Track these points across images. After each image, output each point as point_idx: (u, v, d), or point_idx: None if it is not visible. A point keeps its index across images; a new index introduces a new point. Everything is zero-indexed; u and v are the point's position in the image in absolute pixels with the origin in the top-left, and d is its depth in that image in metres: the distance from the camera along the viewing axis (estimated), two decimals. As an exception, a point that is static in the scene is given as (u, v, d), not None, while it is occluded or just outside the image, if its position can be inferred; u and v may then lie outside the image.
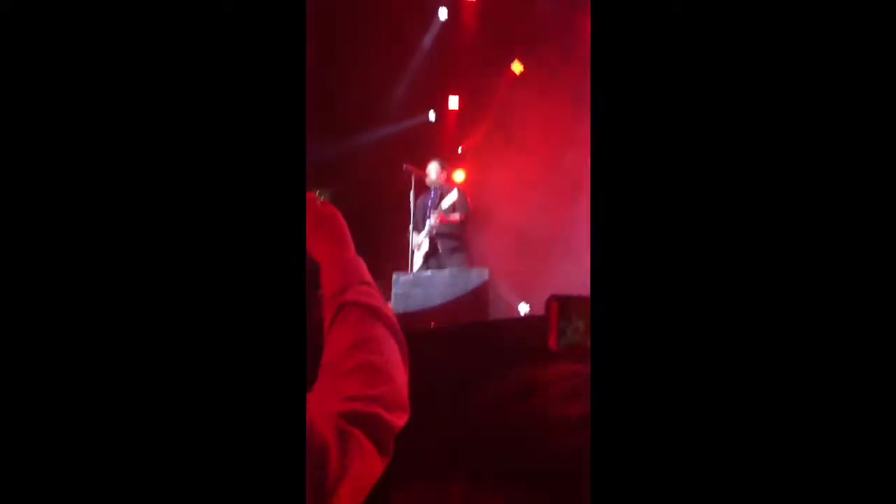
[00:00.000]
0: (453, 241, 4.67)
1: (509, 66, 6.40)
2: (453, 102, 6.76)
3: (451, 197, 4.60)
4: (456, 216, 4.60)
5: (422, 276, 4.20)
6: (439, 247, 4.67)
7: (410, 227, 4.79)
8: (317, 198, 0.89)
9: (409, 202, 4.81)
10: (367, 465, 0.65)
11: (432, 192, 4.84)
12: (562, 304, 0.75)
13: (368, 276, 0.85)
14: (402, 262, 4.86)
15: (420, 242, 4.74)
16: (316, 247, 0.84)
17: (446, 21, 6.56)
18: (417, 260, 4.74)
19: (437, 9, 6.51)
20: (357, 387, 0.69)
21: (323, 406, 0.65)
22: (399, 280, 4.11)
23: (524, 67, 6.31)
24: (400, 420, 0.71)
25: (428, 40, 6.61)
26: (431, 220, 4.64)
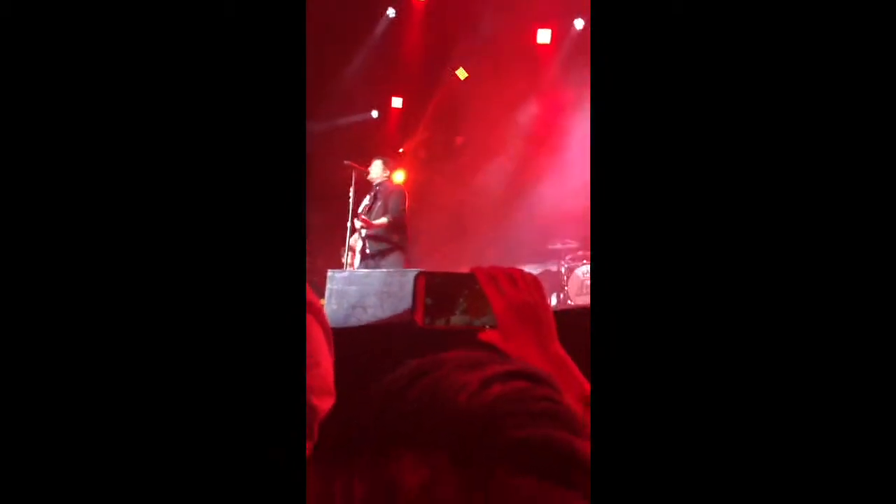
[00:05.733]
0: (383, 244, 4.67)
1: (454, 70, 6.47)
2: (397, 102, 6.77)
3: (366, 201, 4.59)
4: (382, 220, 4.60)
5: (357, 273, 4.19)
6: (367, 248, 4.67)
7: (348, 224, 4.76)
8: None
9: (349, 199, 4.78)
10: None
11: (372, 191, 4.83)
12: (428, 280, 0.75)
13: None
14: (338, 258, 4.83)
15: (354, 243, 4.72)
16: None
17: (394, 20, 6.56)
18: (355, 258, 4.72)
19: (386, 7, 6.50)
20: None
21: None
22: (335, 276, 4.09)
23: (468, 74, 6.40)
24: (324, 403, 0.74)
25: (375, 38, 6.59)
26: (357, 224, 4.64)
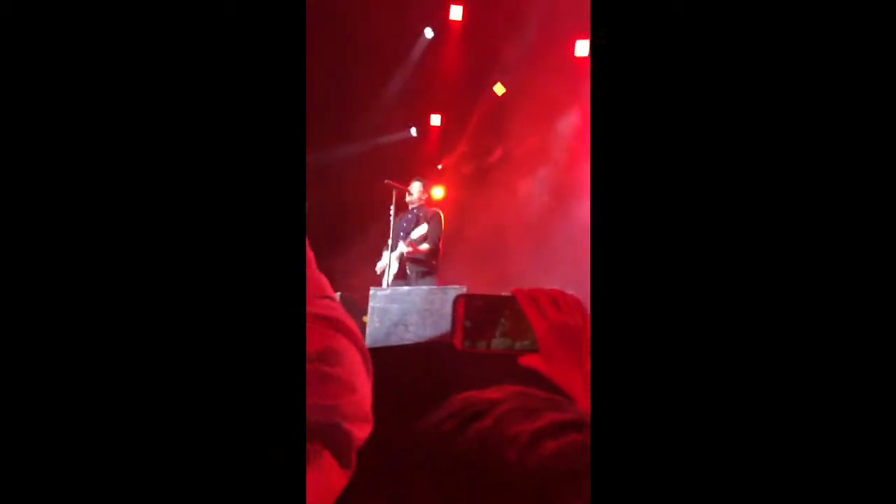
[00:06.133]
0: (423, 267, 4.70)
1: (492, 87, 6.49)
2: (435, 120, 6.82)
3: (421, 229, 4.66)
4: (425, 247, 4.65)
5: (399, 291, 4.21)
6: (408, 271, 4.70)
7: (389, 242, 4.80)
8: None
9: (389, 217, 4.82)
10: (327, 478, 0.64)
11: (409, 213, 4.86)
12: (468, 302, 0.73)
13: (331, 291, 0.86)
14: (376, 276, 4.86)
15: (388, 263, 4.76)
16: None
17: (432, 40, 6.63)
18: (389, 278, 4.75)
19: (424, 28, 6.58)
20: (316, 398, 0.69)
21: None
22: (377, 294, 4.11)
23: (506, 90, 6.41)
24: (362, 431, 0.71)
25: (413, 58, 6.67)
26: (403, 248, 4.67)
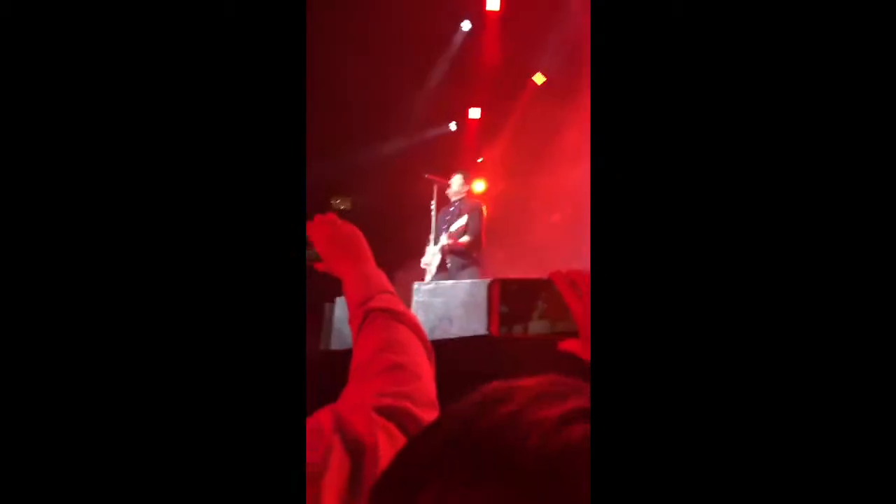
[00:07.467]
0: (463, 259, 4.68)
1: (531, 77, 6.40)
2: (475, 113, 6.78)
3: (461, 221, 4.63)
4: (465, 239, 4.61)
5: (443, 285, 4.19)
6: (448, 263, 4.68)
7: (431, 237, 4.79)
8: (337, 218, 0.96)
9: (431, 212, 4.81)
10: None
11: (452, 206, 4.84)
12: (503, 287, 0.70)
13: (390, 286, 0.92)
14: (422, 271, 4.86)
15: (430, 259, 4.75)
16: (338, 263, 0.92)
17: (469, 32, 6.59)
18: (428, 274, 4.74)
19: (461, 20, 6.54)
20: (387, 385, 0.73)
21: (356, 404, 0.69)
22: (420, 289, 4.11)
23: (546, 78, 6.32)
24: (429, 415, 0.73)
25: (451, 51, 6.64)
26: (444, 240, 4.65)
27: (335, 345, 4.10)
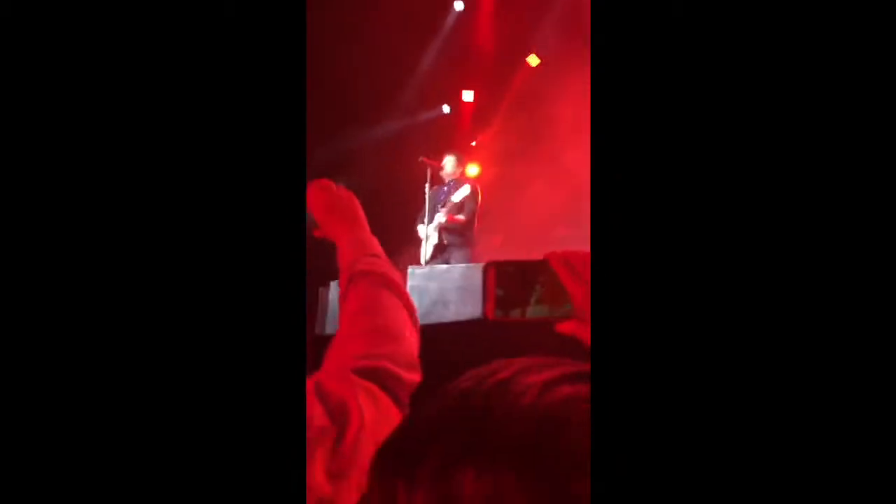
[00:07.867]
0: (459, 238, 4.67)
1: (525, 59, 6.36)
2: (468, 95, 6.74)
3: (462, 192, 4.60)
4: (461, 217, 4.60)
5: (437, 269, 4.19)
6: (445, 240, 4.68)
7: (424, 219, 4.78)
8: (332, 184, 0.96)
9: (425, 195, 4.80)
10: (384, 414, 0.68)
11: (445, 186, 4.82)
12: (499, 269, 0.69)
13: (378, 249, 0.92)
14: (417, 254, 4.86)
15: (428, 235, 4.74)
16: (332, 228, 0.92)
17: (462, 13, 6.52)
18: (427, 251, 4.73)
19: (453, 0, 6.48)
20: (364, 346, 0.74)
21: (335, 369, 0.70)
22: (415, 273, 4.11)
23: (540, 60, 6.27)
24: (411, 376, 0.75)
25: (443, 32, 6.58)
26: (441, 217, 4.64)
27: (330, 329, 4.11)
